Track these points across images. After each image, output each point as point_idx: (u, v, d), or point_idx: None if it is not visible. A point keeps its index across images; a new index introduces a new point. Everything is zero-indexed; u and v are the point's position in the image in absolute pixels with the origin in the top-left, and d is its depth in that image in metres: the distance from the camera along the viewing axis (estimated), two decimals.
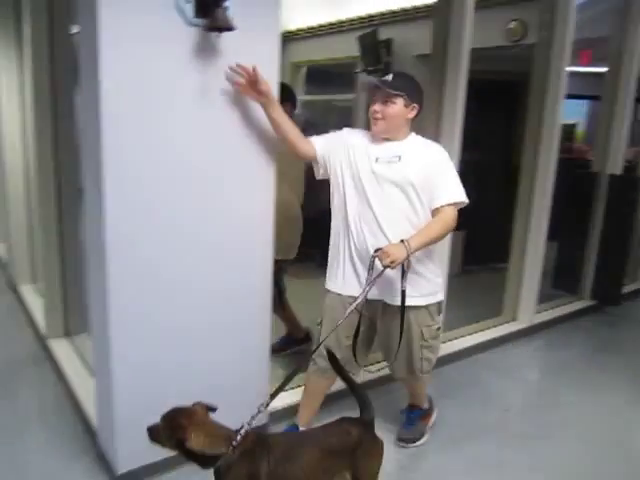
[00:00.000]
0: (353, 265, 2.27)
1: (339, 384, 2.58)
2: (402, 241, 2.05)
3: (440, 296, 2.37)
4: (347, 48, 5.71)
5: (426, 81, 3.19)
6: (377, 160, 2.19)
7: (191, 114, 2.06)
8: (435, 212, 2.18)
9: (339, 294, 2.32)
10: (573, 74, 3.70)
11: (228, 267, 2.30)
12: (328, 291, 2.38)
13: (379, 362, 2.94)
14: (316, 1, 6.09)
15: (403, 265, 2.08)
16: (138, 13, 1.87)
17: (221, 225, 2.24)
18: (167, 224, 2.10)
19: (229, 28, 1.93)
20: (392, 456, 2.51)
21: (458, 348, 3.53)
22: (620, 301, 4.59)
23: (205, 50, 2.01)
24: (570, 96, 3.71)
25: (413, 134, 2.27)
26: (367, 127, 2.30)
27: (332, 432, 1.88)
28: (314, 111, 6.79)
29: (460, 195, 2.19)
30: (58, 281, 3.37)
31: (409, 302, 2.17)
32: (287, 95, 2.70)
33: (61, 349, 3.24)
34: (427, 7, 4.80)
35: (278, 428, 2.55)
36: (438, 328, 2.38)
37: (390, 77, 2.17)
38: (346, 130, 2.35)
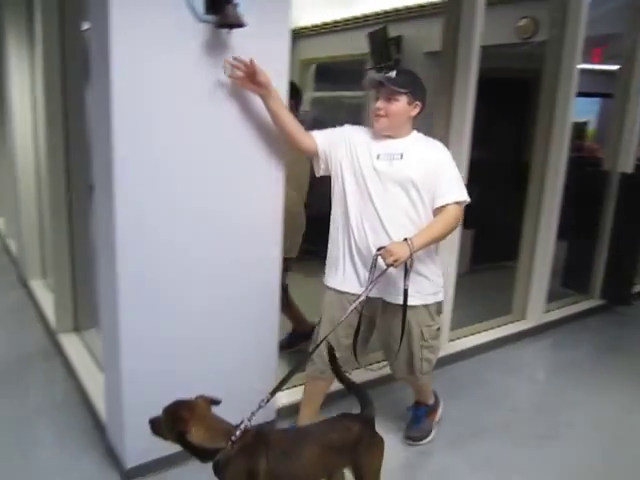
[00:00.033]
0: (353, 261, 2.25)
1: (335, 384, 2.59)
2: (405, 239, 2.03)
3: (441, 296, 2.35)
4: (357, 45, 5.71)
5: (436, 79, 3.19)
6: (378, 157, 2.18)
7: (202, 111, 2.06)
8: (438, 211, 2.17)
9: (338, 291, 2.31)
10: (584, 72, 3.67)
11: (238, 265, 2.30)
12: (327, 287, 2.36)
13: (379, 362, 2.92)
14: None
15: (406, 264, 2.06)
16: (149, 10, 1.87)
17: (232, 223, 2.25)
18: (177, 222, 2.11)
19: (240, 25, 1.93)
20: (399, 454, 2.51)
21: (466, 347, 3.52)
22: (630, 301, 4.55)
23: (216, 47, 2.01)
24: (581, 94, 3.68)
25: (415, 132, 2.25)
26: (371, 124, 2.27)
27: (332, 428, 1.88)
28: (323, 109, 6.78)
29: (463, 194, 2.18)
30: (68, 277, 3.40)
31: (410, 301, 2.16)
32: (292, 92, 2.69)
33: (71, 344, 3.27)
34: (437, 4, 4.78)
35: (286, 424, 2.56)
36: (438, 328, 2.36)
37: (394, 74, 2.14)
38: (348, 126, 2.33)
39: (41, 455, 2.42)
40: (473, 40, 2.94)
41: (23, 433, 2.55)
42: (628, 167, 4.32)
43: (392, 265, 2.02)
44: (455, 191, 2.17)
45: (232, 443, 1.61)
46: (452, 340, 3.48)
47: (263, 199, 2.32)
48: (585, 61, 3.67)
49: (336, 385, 2.45)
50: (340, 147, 2.24)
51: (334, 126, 2.34)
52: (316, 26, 6.39)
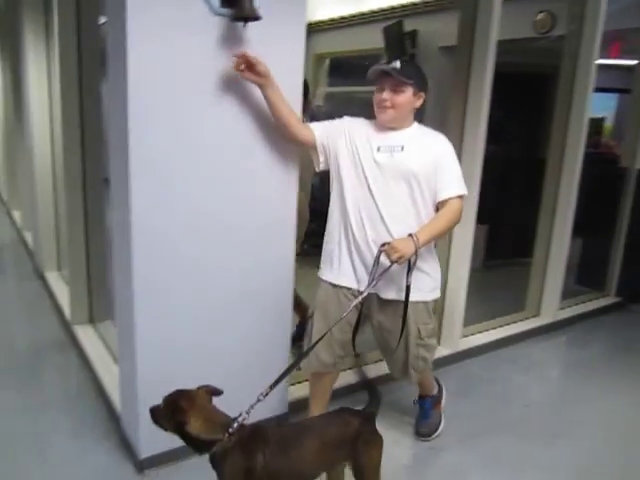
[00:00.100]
0: (350, 255, 2.21)
1: (347, 379, 2.59)
2: (410, 235, 2.01)
3: (438, 293, 2.31)
4: (371, 40, 5.67)
5: (451, 74, 3.17)
6: (379, 149, 2.14)
7: (217, 103, 2.07)
8: (441, 205, 2.14)
9: (333, 284, 2.26)
10: (602, 67, 3.63)
11: (253, 260, 2.31)
12: (321, 280, 2.31)
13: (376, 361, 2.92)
14: None
15: (409, 260, 2.03)
16: (165, 3, 1.88)
17: (249, 214, 2.25)
18: (193, 213, 2.12)
19: (255, 18, 1.93)
20: (409, 451, 2.52)
21: (479, 343, 3.50)
22: None
23: (231, 40, 2.02)
24: (598, 89, 3.64)
25: (416, 123, 2.22)
26: (375, 116, 2.21)
27: (331, 422, 1.87)
28: (337, 104, 6.76)
29: (464, 187, 2.16)
30: (83, 269, 3.44)
31: (410, 298, 2.11)
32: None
33: (86, 336, 3.30)
34: None
35: (298, 418, 2.56)
36: (433, 327, 2.32)
37: (398, 64, 2.09)
38: (347, 118, 2.28)
39: (56, 445, 2.45)
40: (490, 34, 2.91)
41: (38, 423, 2.58)
42: None
43: (397, 262, 1.99)
44: (457, 184, 2.15)
45: (229, 435, 1.61)
46: (465, 336, 3.47)
47: (279, 190, 2.31)
48: (603, 56, 3.63)
49: (343, 381, 2.45)
50: (339, 139, 2.20)
51: None
52: (331, 20, 6.37)
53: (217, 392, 1.70)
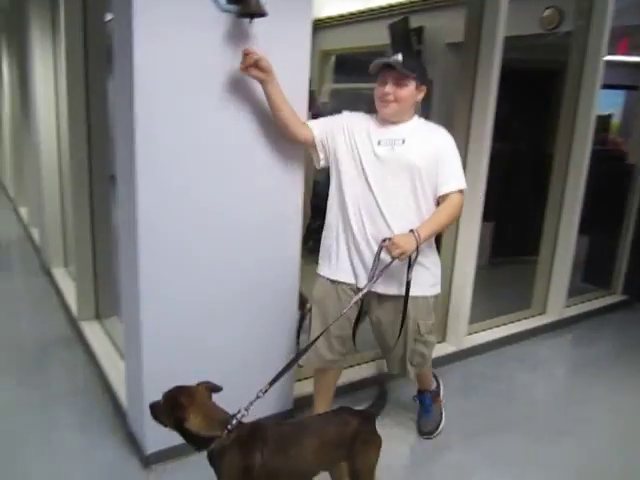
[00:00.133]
0: (348, 251, 2.20)
1: (350, 377, 2.59)
2: (411, 231, 2.00)
3: (438, 288, 2.30)
4: (377, 36, 5.65)
5: (457, 70, 3.15)
6: (379, 143, 2.12)
7: (223, 99, 2.07)
8: (441, 199, 2.13)
9: (331, 280, 2.25)
10: (609, 63, 3.60)
11: (259, 253, 2.31)
12: (319, 276, 2.29)
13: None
14: None
15: (410, 256, 2.02)
16: (171, 1, 1.88)
17: (254, 212, 2.26)
18: (199, 209, 2.12)
19: (261, 14, 1.93)
20: (414, 448, 2.52)
21: (485, 340, 3.50)
22: None
23: (237, 36, 2.01)
24: (606, 86, 3.61)
25: (416, 117, 2.20)
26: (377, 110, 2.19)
27: (330, 422, 1.86)
28: (343, 100, 6.75)
29: (464, 181, 2.15)
30: (90, 265, 3.45)
31: (410, 293, 2.10)
32: None
33: (92, 332, 3.32)
34: None
35: (303, 415, 2.57)
36: (433, 323, 2.31)
37: (400, 57, 2.07)
38: (346, 113, 2.27)
39: (62, 439, 2.47)
40: (496, 31, 2.90)
41: (45, 418, 2.60)
42: None
43: (398, 258, 1.99)
44: (458, 178, 2.13)
45: (228, 432, 1.61)
46: (470, 334, 3.46)
47: (285, 185, 2.31)
48: (610, 52, 3.60)
49: (347, 378, 2.44)
50: (338, 135, 2.19)
51: None
52: (337, 17, 6.35)
53: (217, 389, 1.70)
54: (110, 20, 2.93)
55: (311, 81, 3.13)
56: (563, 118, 3.69)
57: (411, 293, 2.10)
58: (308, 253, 2.67)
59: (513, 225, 4.87)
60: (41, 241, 4.78)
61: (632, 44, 5.30)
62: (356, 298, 2.04)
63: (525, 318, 3.87)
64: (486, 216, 3.18)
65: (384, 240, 2.04)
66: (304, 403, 2.61)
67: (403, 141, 2.11)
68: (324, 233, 2.29)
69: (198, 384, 1.68)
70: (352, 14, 6.18)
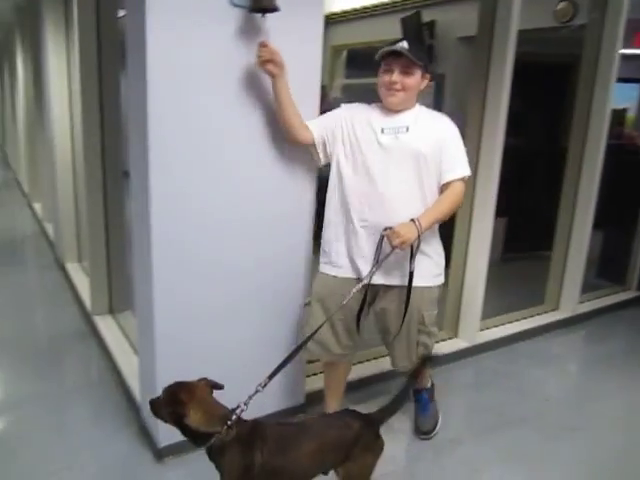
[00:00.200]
0: (348, 243, 2.18)
1: (358, 373, 2.57)
2: (412, 220, 1.98)
3: (442, 279, 2.27)
4: (389, 31, 5.62)
5: (470, 64, 3.13)
6: (383, 131, 2.10)
7: (237, 95, 2.07)
8: (444, 187, 2.11)
9: (332, 275, 2.23)
10: (624, 56, 3.56)
11: (270, 251, 2.32)
12: (319, 270, 2.28)
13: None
14: None
15: (412, 245, 2.01)
16: None
17: (266, 210, 2.26)
18: (212, 206, 2.13)
19: (273, 9, 1.92)
20: (427, 443, 2.51)
21: (498, 336, 3.48)
22: None
23: (249, 31, 2.01)
24: (621, 79, 3.57)
25: (418, 105, 2.18)
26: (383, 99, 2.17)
27: (331, 424, 1.84)
28: (354, 95, 6.72)
29: (467, 169, 2.13)
30: (103, 260, 3.48)
31: (414, 283, 2.09)
32: None
33: (106, 326, 3.35)
34: None
35: (314, 410, 2.58)
36: (436, 314, 2.29)
37: (406, 44, 2.04)
38: (344, 106, 2.24)
39: (76, 432, 2.50)
40: (510, 24, 2.87)
41: (59, 411, 2.63)
42: None
43: (399, 247, 1.97)
44: (461, 166, 2.12)
45: (227, 428, 1.60)
46: (482, 330, 3.45)
47: (297, 184, 2.31)
48: (626, 45, 3.56)
49: (356, 375, 2.42)
50: (336, 129, 2.16)
51: None
52: (349, 11, 6.32)
53: (217, 386, 1.69)
54: (123, 16, 2.94)
55: (322, 76, 3.13)
56: (577, 112, 3.65)
57: (416, 284, 2.09)
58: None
59: (526, 220, 4.83)
60: (55, 236, 4.82)
61: None
62: (357, 287, 2.03)
63: (538, 314, 3.84)
64: (499, 211, 3.16)
65: (385, 229, 2.02)
66: (315, 398, 2.62)
67: (407, 129, 2.09)
68: (324, 228, 2.27)
69: (199, 380, 1.67)
70: (364, 8, 6.15)
